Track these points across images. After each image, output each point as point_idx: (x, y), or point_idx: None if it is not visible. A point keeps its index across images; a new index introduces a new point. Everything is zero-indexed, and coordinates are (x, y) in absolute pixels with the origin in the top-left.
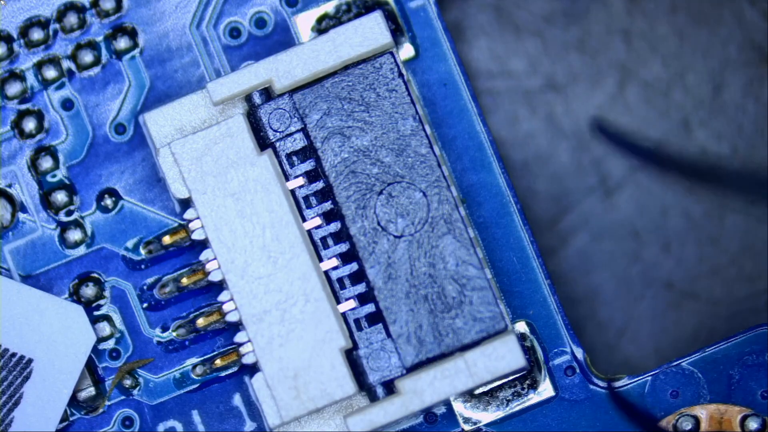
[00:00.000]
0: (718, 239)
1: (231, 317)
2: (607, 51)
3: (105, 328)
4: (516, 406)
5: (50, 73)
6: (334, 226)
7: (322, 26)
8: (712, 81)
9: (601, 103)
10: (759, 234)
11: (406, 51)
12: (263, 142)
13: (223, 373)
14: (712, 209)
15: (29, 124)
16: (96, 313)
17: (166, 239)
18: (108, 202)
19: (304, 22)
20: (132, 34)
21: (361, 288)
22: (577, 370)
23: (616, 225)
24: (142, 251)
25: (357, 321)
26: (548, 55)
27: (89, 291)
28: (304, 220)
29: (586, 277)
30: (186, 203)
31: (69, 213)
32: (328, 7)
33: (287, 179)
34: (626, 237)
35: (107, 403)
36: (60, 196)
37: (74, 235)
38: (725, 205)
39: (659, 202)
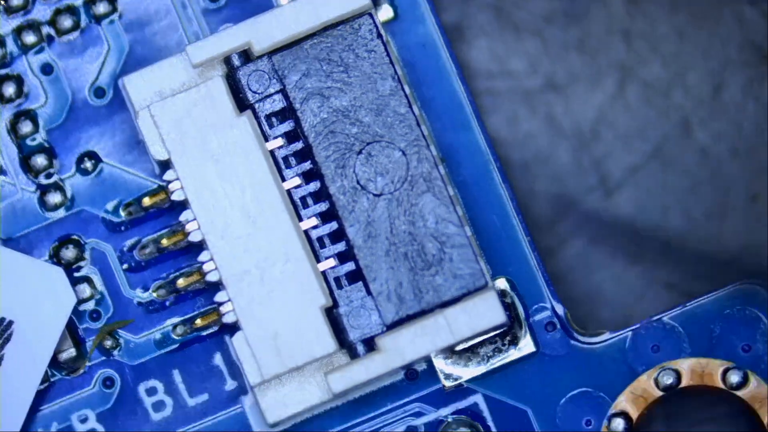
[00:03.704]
0: (718, 239)
1: (211, 277)
2: (607, 51)
3: (85, 290)
4: (497, 362)
5: (29, 38)
6: (314, 186)
7: None
8: (712, 81)
9: (601, 103)
10: (759, 234)
11: (385, 12)
12: (242, 104)
13: (204, 333)
14: (712, 209)
15: (9, 89)
16: (76, 274)
17: (146, 201)
18: (88, 164)
19: None
20: None
21: (341, 247)
22: (558, 326)
23: (616, 225)
24: (122, 213)
25: (337, 279)
26: (548, 55)
27: (69, 253)
28: (283, 180)
29: (586, 277)
30: (165, 165)
31: (49, 176)
32: None
33: (266, 140)
34: (626, 237)
35: (88, 363)
36: (40, 160)
37: (54, 197)
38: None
39: (659, 202)
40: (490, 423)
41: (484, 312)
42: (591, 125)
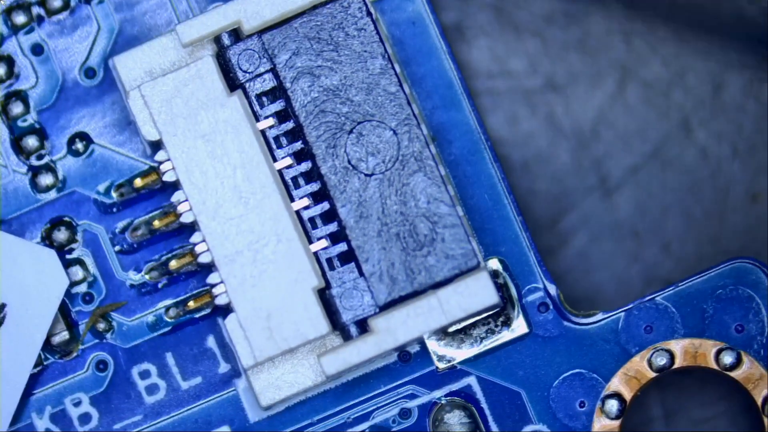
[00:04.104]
0: (718, 239)
1: (203, 259)
2: (607, 51)
3: (78, 272)
4: (490, 343)
5: (19, 18)
6: (305, 166)
7: None
8: (712, 81)
9: (601, 103)
10: (759, 234)
11: None
12: (233, 83)
13: (197, 315)
14: (712, 209)
15: None
16: (68, 257)
17: (138, 182)
18: (79, 146)
19: None
20: None
21: (332, 227)
22: (551, 307)
23: (616, 225)
24: (114, 194)
25: (329, 260)
26: (548, 55)
27: (61, 235)
28: (274, 160)
29: (586, 277)
30: (157, 146)
31: (40, 157)
32: None
33: (257, 120)
34: (626, 237)
35: (81, 347)
36: (31, 141)
37: (46, 179)
38: (725, 204)
39: (659, 202)
40: (484, 405)
41: (477, 293)
42: (591, 125)
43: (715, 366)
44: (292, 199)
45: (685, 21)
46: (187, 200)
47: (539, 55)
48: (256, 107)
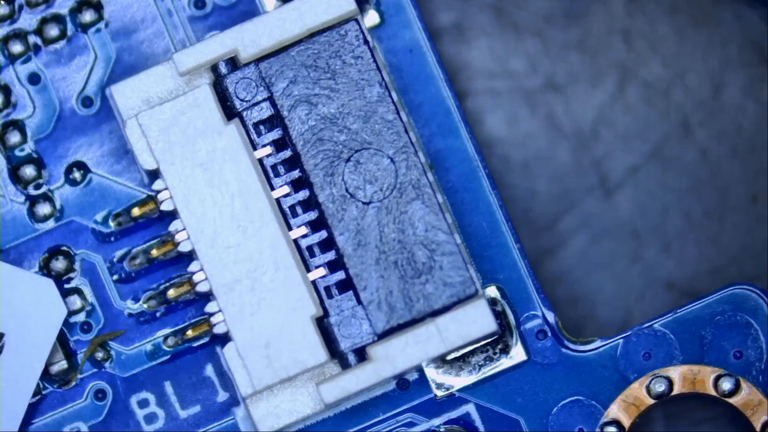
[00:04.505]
0: (718, 239)
1: (201, 287)
2: (607, 51)
3: (76, 301)
4: (488, 370)
5: (16, 47)
6: (303, 194)
7: None
8: (712, 81)
9: (601, 103)
10: (759, 234)
11: (371, 18)
12: (230, 112)
13: (195, 344)
14: (712, 209)
15: None
16: (66, 286)
17: (135, 211)
18: (76, 175)
19: None
20: (97, 6)
21: (330, 255)
22: (549, 334)
23: (616, 225)
24: (112, 224)
25: (327, 288)
26: (548, 55)
27: (59, 264)
28: (272, 188)
29: (586, 277)
30: (154, 174)
31: (38, 187)
32: None
33: (255, 148)
34: (626, 237)
35: (80, 376)
36: (28, 170)
37: (43, 208)
38: (725, 204)
39: (659, 202)
40: None
41: (475, 320)
42: (591, 125)
43: (713, 392)
44: (289, 228)
45: (686, 21)
46: (184, 229)
47: (539, 55)
48: (254, 135)
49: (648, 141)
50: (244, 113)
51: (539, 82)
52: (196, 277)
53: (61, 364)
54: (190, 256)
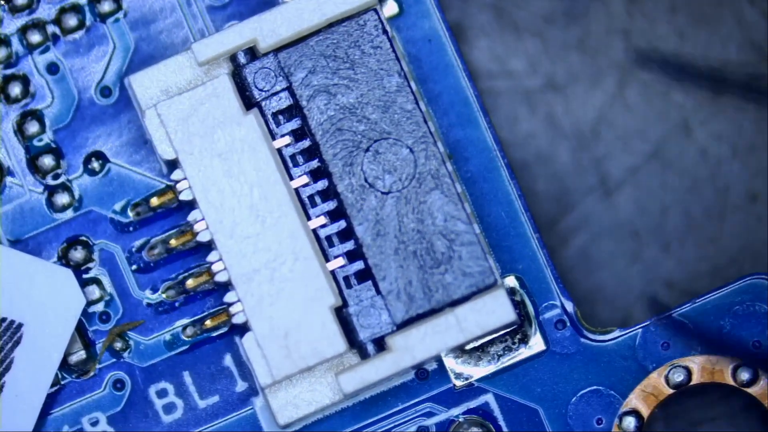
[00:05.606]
0: (718, 239)
1: (220, 277)
2: (607, 51)
3: (94, 292)
4: (507, 360)
5: (35, 37)
6: (322, 184)
7: None
8: (712, 81)
9: (601, 103)
10: (759, 234)
11: (390, 8)
12: (249, 102)
13: (214, 334)
14: (712, 209)
15: (15, 89)
16: (85, 276)
17: (154, 201)
18: (95, 165)
19: None
20: None
21: (349, 245)
22: (568, 324)
23: (616, 225)
24: (130, 213)
25: (346, 278)
26: (548, 55)
27: (78, 254)
28: (291, 178)
29: (586, 276)
30: (173, 164)
31: (56, 177)
32: None
33: (273, 138)
34: (626, 237)
35: (98, 366)
36: (47, 160)
37: (62, 198)
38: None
39: (659, 202)
40: (501, 422)
41: (494, 310)
42: (591, 125)
43: (732, 382)
44: (308, 218)
45: (686, 21)
46: (203, 219)
47: (539, 55)
48: (273, 126)
49: (648, 141)
50: (263, 103)
51: (539, 82)
52: (214, 267)
53: (80, 354)
54: (209, 246)
